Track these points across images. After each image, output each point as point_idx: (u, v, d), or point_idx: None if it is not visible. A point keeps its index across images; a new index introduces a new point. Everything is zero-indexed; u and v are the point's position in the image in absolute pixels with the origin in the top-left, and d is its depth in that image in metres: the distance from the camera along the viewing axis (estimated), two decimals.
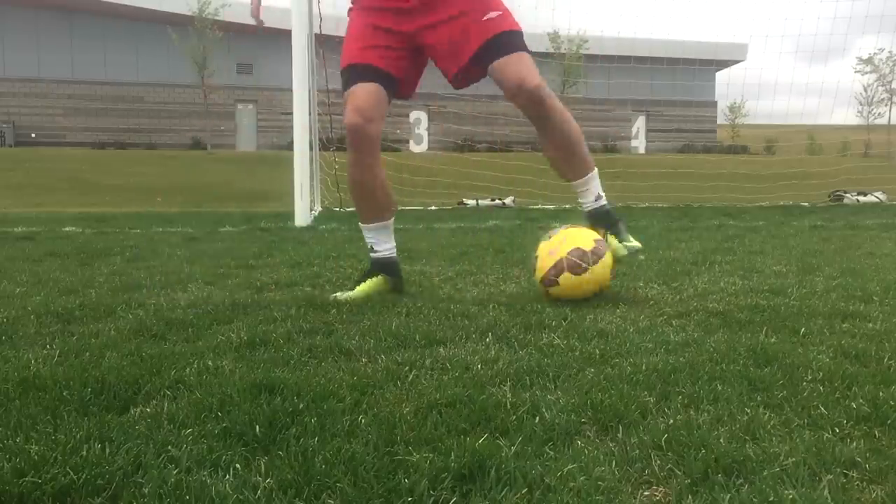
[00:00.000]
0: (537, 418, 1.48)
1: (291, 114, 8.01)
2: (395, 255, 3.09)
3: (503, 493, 1.17)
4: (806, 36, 20.83)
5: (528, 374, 1.79)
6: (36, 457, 1.26)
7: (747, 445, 1.34)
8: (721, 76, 42.12)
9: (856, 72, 43.45)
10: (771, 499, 1.14)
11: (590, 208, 3.02)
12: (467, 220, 7.87)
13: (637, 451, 1.33)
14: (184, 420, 1.47)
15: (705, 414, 1.51)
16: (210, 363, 1.87)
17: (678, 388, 1.67)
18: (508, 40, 2.80)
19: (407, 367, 1.85)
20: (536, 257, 2.87)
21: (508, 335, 2.22)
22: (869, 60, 42.90)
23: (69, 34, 34.94)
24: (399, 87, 2.92)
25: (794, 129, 38.86)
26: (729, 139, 44.71)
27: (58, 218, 8.14)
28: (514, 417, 1.49)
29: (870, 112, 44.59)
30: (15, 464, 1.24)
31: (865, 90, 44.21)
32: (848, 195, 11.40)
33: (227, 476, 1.22)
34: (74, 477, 1.19)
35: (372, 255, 3.07)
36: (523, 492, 1.17)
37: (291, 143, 8.18)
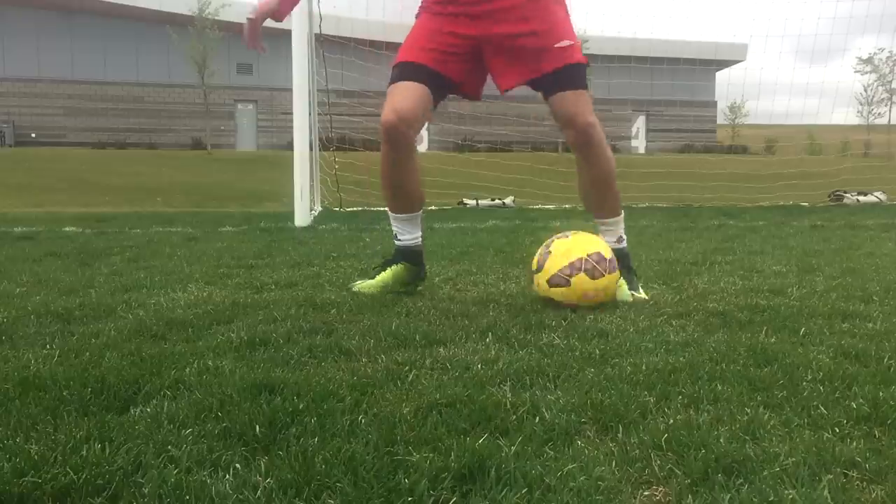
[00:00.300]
0: (537, 418, 1.48)
1: (291, 114, 8.01)
2: (420, 243, 3.11)
3: (503, 493, 1.17)
4: (806, 36, 20.79)
5: (528, 374, 1.79)
6: (36, 457, 1.26)
7: (747, 445, 1.34)
8: (721, 76, 42.24)
9: (856, 72, 43.59)
10: (771, 499, 1.14)
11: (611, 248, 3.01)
12: (467, 220, 7.86)
13: (637, 451, 1.33)
14: (184, 420, 1.47)
15: (705, 414, 1.51)
16: (210, 363, 1.87)
17: (678, 388, 1.67)
18: (575, 74, 2.82)
19: (407, 367, 1.85)
20: (549, 253, 2.75)
21: (508, 335, 2.22)
22: (869, 60, 43.01)
23: (69, 34, 34.95)
24: (460, 88, 2.92)
25: (794, 129, 38.88)
26: (729, 139, 44.78)
27: (58, 218, 8.13)
28: (514, 417, 1.49)
29: (870, 112, 44.70)
30: (15, 464, 1.24)
31: (865, 90, 44.37)
32: (848, 195, 11.39)
33: (227, 476, 1.22)
34: (74, 477, 1.19)
35: (396, 242, 3.10)
36: (523, 492, 1.17)
37: (291, 142, 8.17)
